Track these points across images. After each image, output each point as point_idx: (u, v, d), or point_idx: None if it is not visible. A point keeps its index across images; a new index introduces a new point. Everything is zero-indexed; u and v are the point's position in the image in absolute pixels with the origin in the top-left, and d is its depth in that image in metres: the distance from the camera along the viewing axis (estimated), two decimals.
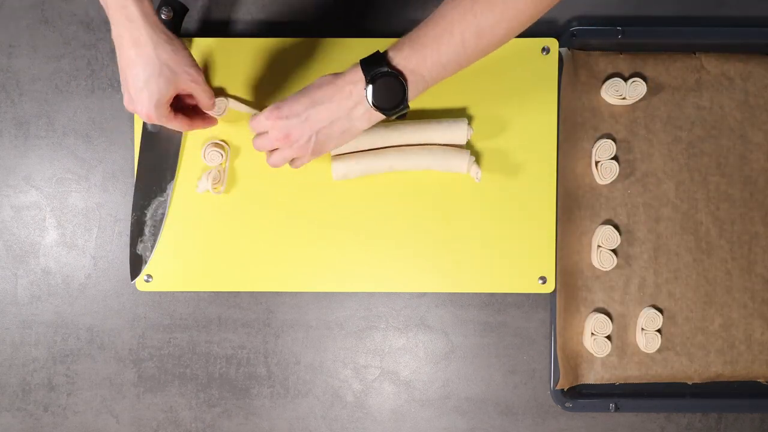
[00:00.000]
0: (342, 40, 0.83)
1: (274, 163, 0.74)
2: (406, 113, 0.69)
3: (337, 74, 0.69)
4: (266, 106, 0.82)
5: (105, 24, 0.86)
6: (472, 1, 0.64)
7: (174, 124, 0.72)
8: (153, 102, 0.68)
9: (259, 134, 0.74)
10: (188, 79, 0.70)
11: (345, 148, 0.81)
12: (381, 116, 0.69)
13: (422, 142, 0.82)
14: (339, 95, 0.68)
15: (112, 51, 0.86)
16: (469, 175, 0.82)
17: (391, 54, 0.66)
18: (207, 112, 0.78)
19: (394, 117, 0.69)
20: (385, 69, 0.66)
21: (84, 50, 0.86)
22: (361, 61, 0.67)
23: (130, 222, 0.83)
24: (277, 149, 0.73)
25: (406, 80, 0.66)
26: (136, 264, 0.83)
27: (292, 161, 0.75)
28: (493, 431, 0.87)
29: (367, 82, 0.66)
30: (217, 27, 0.86)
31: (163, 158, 0.82)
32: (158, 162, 0.82)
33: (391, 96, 0.67)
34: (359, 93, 0.67)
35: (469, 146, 0.83)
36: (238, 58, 0.83)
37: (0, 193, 0.87)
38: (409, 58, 0.66)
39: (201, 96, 0.73)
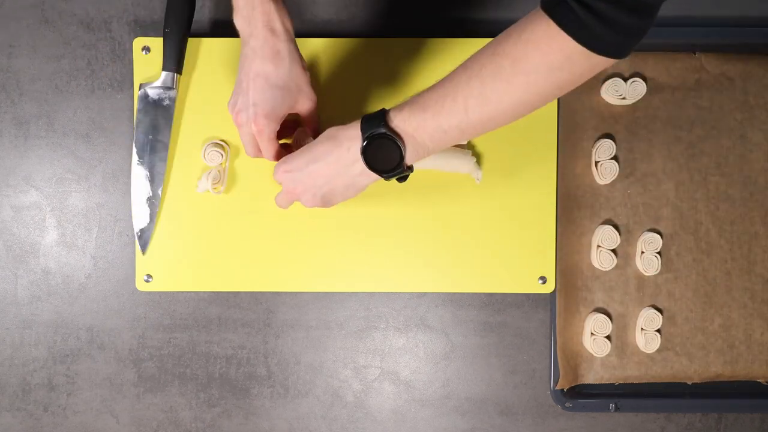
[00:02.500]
0: (344, 40, 0.83)
1: (278, 204, 0.75)
2: (406, 176, 0.67)
3: (340, 127, 0.67)
4: None
5: (105, 24, 0.86)
6: (481, 66, 0.60)
7: (269, 144, 0.71)
8: (271, 113, 0.68)
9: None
10: (308, 99, 0.71)
11: None
12: (379, 177, 0.66)
13: None
14: (338, 151, 0.66)
15: (112, 51, 0.86)
16: (469, 176, 0.82)
17: (391, 114, 0.64)
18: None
19: (393, 180, 0.67)
20: (382, 130, 0.63)
21: (84, 50, 0.86)
22: (362, 117, 0.65)
23: (131, 222, 0.83)
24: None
25: (403, 143, 0.63)
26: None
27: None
28: (493, 431, 0.87)
29: (363, 141, 0.64)
30: (218, 27, 0.86)
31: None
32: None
33: (387, 158, 0.64)
34: (356, 151, 0.65)
35: (469, 146, 0.83)
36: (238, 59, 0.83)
37: (0, 193, 0.87)
38: (408, 120, 0.63)
39: (312, 117, 0.74)
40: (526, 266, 0.84)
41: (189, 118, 0.83)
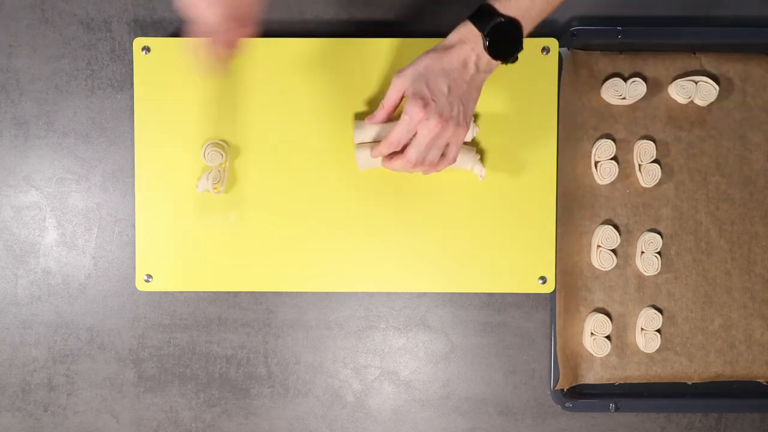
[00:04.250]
0: (344, 40, 0.83)
1: (432, 161, 0.72)
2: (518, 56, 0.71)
3: (443, 43, 0.70)
4: (269, 110, 0.83)
5: (105, 24, 0.86)
6: None
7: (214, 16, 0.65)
8: None
9: (397, 152, 0.73)
10: None
11: (365, 138, 0.80)
12: (498, 64, 0.70)
13: None
14: (463, 55, 0.69)
15: (112, 51, 0.86)
16: (469, 175, 0.83)
17: (497, 5, 0.68)
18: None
19: (510, 62, 0.71)
20: (501, 19, 0.67)
21: (84, 50, 0.86)
22: (468, 18, 0.69)
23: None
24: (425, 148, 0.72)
25: (520, 25, 0.68)
26: None
27: (440, 162, 0.73)
28: (493, 431, 0.87)
29: (485, 35, 0.68)
30: None
31: None
32: None
33: (509, 43, 0.69)
34: (479, 47, 0.69)
35: (473, 143, 0.83)
36: (238, 59, 0.83)
37: (0, 193, 0.87)
38: (518, 4, 0.68)
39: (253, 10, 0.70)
40: (526, 266, 0.84)
41: (189, 118, 0.83)
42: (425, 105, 0.68)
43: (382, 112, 0.75)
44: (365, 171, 0.83)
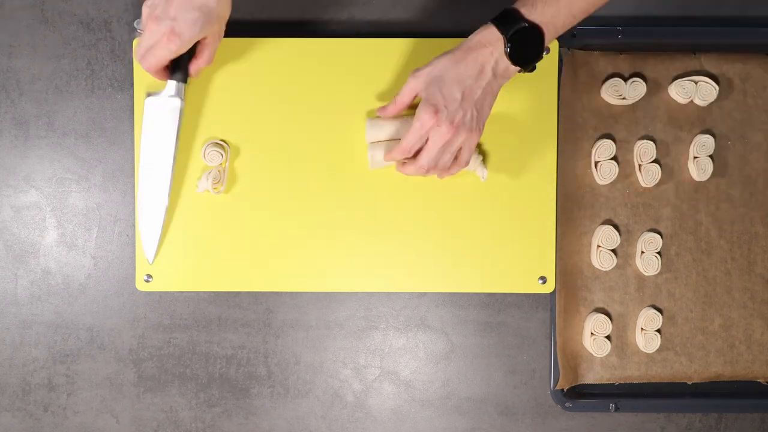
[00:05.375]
0: (345, 40, 0.83)
1: (444, 166, 0.73)
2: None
3: (463, 44, 0.70)
4: (269, 110, 0.83)
5: (105, 24, 0.86)
6: None
7: (160, 62, 0.72)
8: (189, 31, 0.69)
9: (410, 157, 0.74)
10: (218, 36, 0.73)
11: (378, 136, 0.80)
12: (516, 70, 0.70)
13: None
14: (481, 60, 0.69)
15: (112, 51, 0.86)
16: (469, 176, 0.82)
17: (523, 10, 0.68)
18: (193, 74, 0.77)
19: (528, 71, 0.71)
20: (524, 24, 0.68)
21: (84, 50, 0.86)
22: (492, 20, 0.69)
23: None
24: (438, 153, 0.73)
25: (543, 32, 0.68)
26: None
27: (452, 165, 0.74)
28: (493, 431, 0.87)
29: (507, 40, 0.68)
30: None
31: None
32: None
33: (530, 50, 0.69)
34: (499, 51, 0.69)
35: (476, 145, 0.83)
36: (238, 59, 0.83)
37: (0, 193, 0.87)
38: (544, 11, 0.68)
39: (210, 55, 0.75)
40: (526, 266, 0.84)
41: (189, 118, 0.83)
42: (436, 112, 0.69)
43: (393, 108, 0.75)
44: (365, 171, 0.83)
